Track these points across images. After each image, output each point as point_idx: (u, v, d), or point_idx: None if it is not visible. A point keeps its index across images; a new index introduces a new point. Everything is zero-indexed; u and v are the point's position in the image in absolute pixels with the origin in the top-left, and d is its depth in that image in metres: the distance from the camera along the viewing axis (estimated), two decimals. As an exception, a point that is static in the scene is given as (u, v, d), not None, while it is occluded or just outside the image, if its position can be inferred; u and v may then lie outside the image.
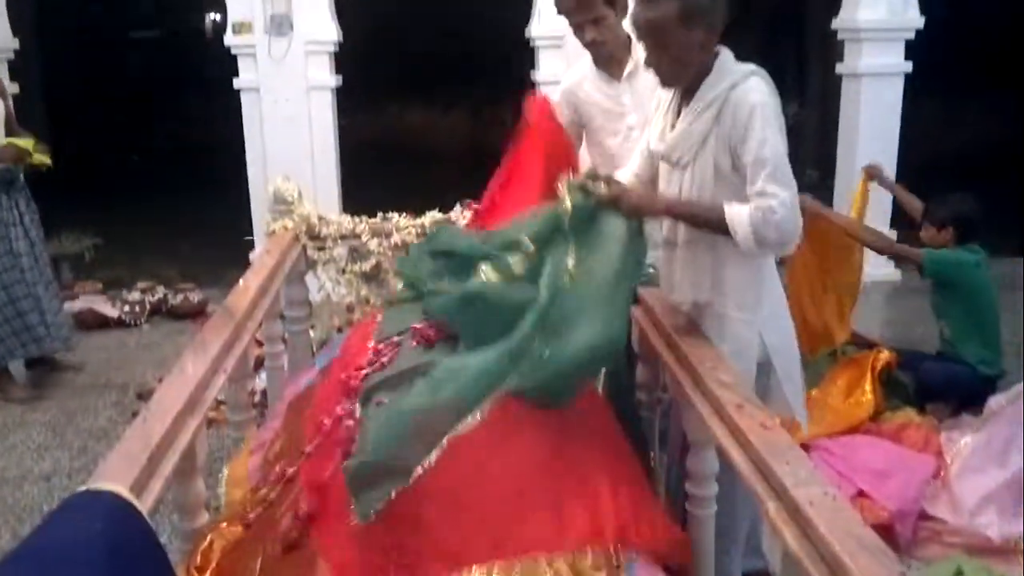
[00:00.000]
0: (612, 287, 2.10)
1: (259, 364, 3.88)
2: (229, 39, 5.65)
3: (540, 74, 5.66)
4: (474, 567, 1.70)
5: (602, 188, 2.20)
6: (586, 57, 2.95)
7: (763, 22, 10.49)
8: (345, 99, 6.13)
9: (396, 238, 3.41)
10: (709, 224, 2.21)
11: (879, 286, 5.84)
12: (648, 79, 2.45)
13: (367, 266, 3.45)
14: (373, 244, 3.42)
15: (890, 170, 5.19)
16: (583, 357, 2.03)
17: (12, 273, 4.20)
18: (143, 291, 5.69)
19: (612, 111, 2.89)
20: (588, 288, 2.10)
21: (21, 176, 4.31)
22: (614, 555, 1.78)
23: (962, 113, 10.17)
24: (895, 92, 5.84)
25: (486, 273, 2.18)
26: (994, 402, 3.37)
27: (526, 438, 1.93)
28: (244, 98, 5.72)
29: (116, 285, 5.96)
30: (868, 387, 3.74)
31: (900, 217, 4.60)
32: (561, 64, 5.31)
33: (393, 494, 1.78)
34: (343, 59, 5.89)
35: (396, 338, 2.25)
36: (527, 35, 5.71)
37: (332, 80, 5.74)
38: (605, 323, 2.04)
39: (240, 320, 2.41)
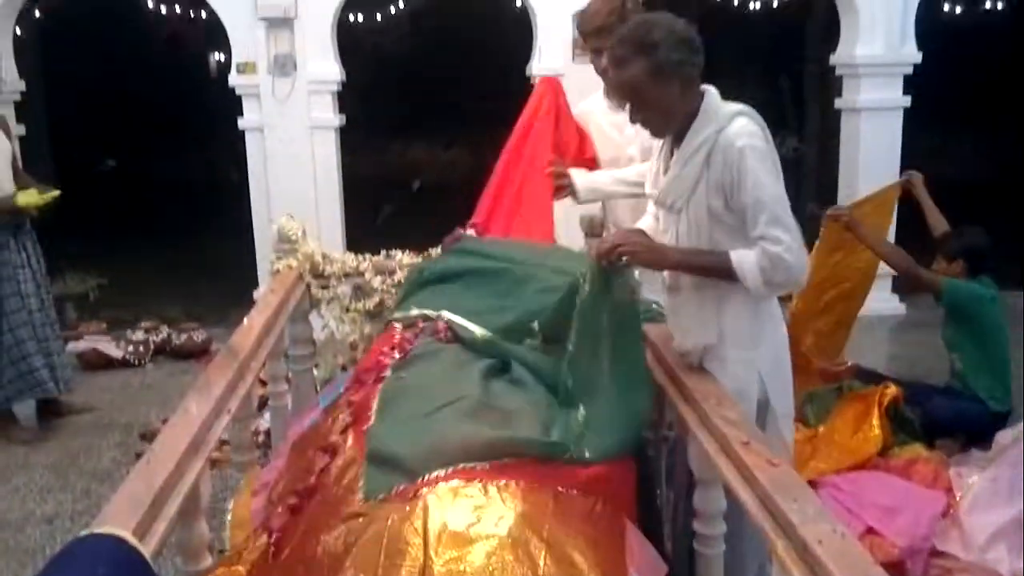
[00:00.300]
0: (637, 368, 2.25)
1: (263, 403, 3.87)
2: (233, 79, 5.72)
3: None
4: None
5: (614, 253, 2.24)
6: (600, 88, 3.08)
7: (762, 58, 10.61)
8: (348, 137, 6.18)
9: (399, 275, 3.42)
10: (718, 273, 2.21)
11: (884, 320, 5.84)
12: None
13: (371, 304, 3.45)
14: (377, 282, 3.42)
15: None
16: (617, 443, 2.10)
17: (20, 315, 4.22)
18: (147, 331, 5.69)
19: (615, 140, 2.97)
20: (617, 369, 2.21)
21: (28, 219, 4.34)
22: None
23: (961, 145, 10.25)
24: (894, 126, 5.89)
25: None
26: (1002, 437, 3.35)
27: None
28: (248, 137, 5.77)
29: (120, 325, 5.96)
30: (875, 422, 3.71)
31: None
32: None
33: (398, 488, 1.83)
34: (346, 98, 5.95)
35: (421, 323, 2.51)
36: (527, 73, 5.77)
37: (335, 119, 5.80)
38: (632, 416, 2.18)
39: (244, 360, 2.41)
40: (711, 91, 2.26)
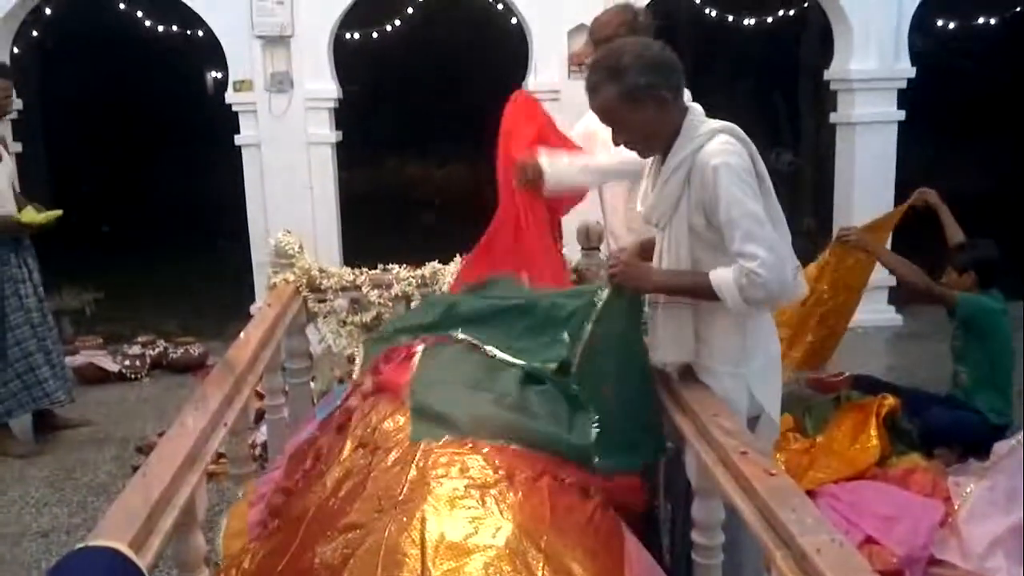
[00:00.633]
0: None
1: (260, 417, 3.87)
2: (230, 96, 5.74)
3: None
4: None
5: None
6: None
7: (757, 72, 10.67)
8: (345, 153, 6.19)
9: (396, 289, 3.43)
10: (701, 293, 2.22)
11: (881, 331, 5.85)
12: None
13: (368, 317, 3.46)
14: (373, 295, 3.43)
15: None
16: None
17: (24, 329, 4.28)
18: (143, 345, 5.68)
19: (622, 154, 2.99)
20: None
21: (28, 235, 4.37)
22: None
23: (956, 158, 10.29)
24: (889, 140, 5.91)
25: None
26: (1000, 447, 3.35)
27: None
28: (245, 154, 5.79)
29: (116, 339, 5.96)
30: (873, 432, 3.71)
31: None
32: (558, 118, 5.37)
33: (444, 439, 2.00)
34: (343, 114, 5.97)
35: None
36: (524, 88, 5.79)
37: (332, 135, 5.81)
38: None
39: (241, 373, 2.41)
40: (694, 108, 2.28)
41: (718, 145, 2.16)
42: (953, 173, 9.78)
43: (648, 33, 3.10)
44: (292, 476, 2.22)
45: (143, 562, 1.53)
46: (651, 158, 2.38)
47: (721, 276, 2.16)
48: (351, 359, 3.56)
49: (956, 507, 3.22)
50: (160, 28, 7.69)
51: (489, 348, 2.53)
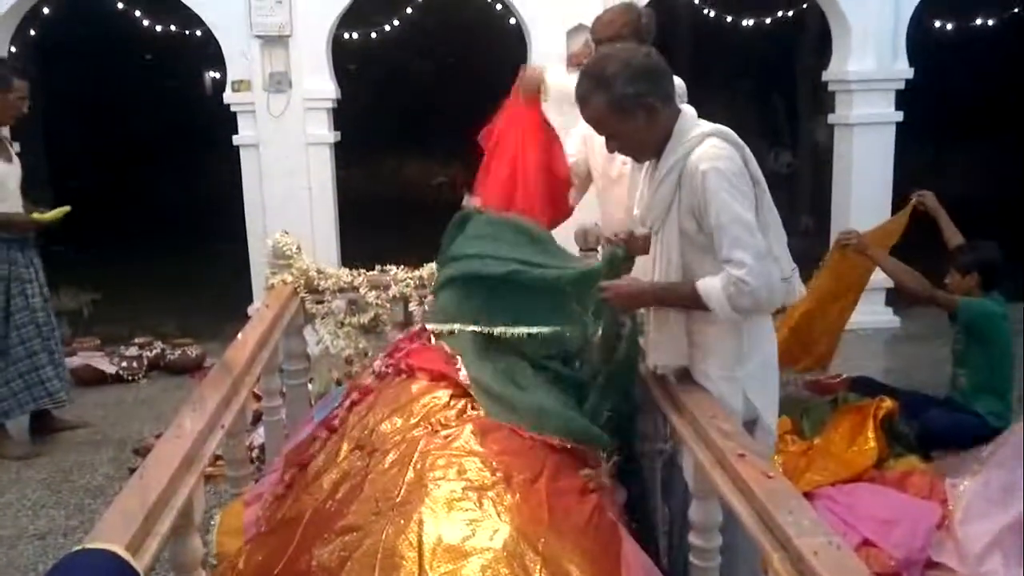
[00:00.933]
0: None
1: (257, 418, 3.86)
2: (228, 96, 5.73)
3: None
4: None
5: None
6: None
7: (755, 73, 10.68)
8: (344, 153, 6.19)
9: (394, 290, 3.42)
10: (692, 304, 2.22)
11: (879, 333, 5.86)
12: None
13: (365, 319, 3.45)
14: (371, 296, 3.43)
15: (887, 215, 5.26)
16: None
17: (29, 328, 4.29)
18: (141, 346, 5.68)
19: (606, 154, 2.99)
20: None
21: (33, 235, 4.38)
22: None
23: (954, 159, 10.31)
24: (887, 141, 5.92)
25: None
26: (996, 442, 3.35)
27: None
28: (243, 154, 5.78)
29: (114, 341, 5.94)
30: (871, 434, 3.71)
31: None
32: (555, 117, 5.38)
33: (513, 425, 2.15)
34: (341, 115, 5.97)
35: None
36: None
37: (331, 136, 5.81)
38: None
39: (238, 375, 2.41)
40: (686, 111, 2.28)
41: (708, 149, 2.16)
42: (951, 174, 9.82)
43: (651, 34, 3.08)
44: (289, 478, 2.22)
45: (140, 564, 1.53)
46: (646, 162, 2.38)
47: (709, 285, 2.16)
48: (349, 360, 3.56)
49: (952, 509, 3.22)
50: (158, 28, 7.67)
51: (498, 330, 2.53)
